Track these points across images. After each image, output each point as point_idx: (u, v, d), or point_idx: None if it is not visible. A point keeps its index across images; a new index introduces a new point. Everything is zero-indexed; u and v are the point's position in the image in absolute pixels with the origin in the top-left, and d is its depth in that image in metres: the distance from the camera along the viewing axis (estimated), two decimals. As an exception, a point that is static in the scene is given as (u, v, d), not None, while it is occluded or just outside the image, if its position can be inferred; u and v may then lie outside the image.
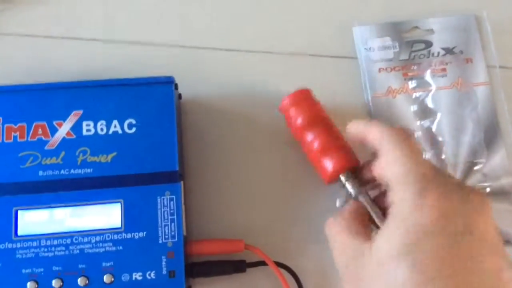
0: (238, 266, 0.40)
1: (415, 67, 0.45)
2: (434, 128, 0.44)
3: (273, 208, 0.42)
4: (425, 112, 0.45)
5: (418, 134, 0.44)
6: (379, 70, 0.46)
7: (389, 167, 0.32)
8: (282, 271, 0.40)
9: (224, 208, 0.42)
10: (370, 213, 0.36)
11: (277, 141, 0.44)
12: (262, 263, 0.40)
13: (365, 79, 0.46)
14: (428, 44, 0.46)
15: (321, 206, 0.42)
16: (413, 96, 0.45)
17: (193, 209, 0.41)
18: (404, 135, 0.33)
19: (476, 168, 0.43)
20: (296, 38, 0.47)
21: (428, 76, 0.45)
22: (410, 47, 0.46)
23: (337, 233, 0.34)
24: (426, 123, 0.44)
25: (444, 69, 0.45)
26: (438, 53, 0.46)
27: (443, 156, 0.44)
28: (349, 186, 0.37)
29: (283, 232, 0.42)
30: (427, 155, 0.43)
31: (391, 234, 0.30)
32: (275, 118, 0.43)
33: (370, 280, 0.30)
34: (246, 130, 0.44)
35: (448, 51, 0.46)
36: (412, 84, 0.46)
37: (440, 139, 0.44)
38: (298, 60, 0.46)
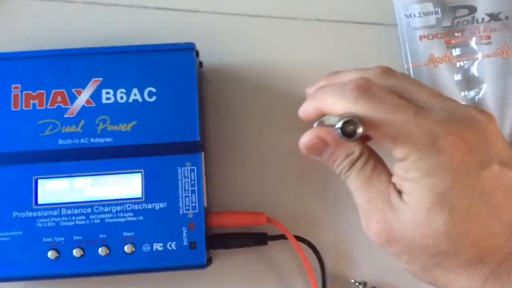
0: (259, 239, 0.39)
1: (459, 34, 0.43)
2: (478, 99, 0.42)
3: (294, 180, 0.41)
4: (469, 82, 0.43)
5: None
6: (420, 38, 0.43)
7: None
8: (303, 245, 0.40)
9: (245, 180, 0.41)
10: None
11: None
12: (283, 237, 0.40)
13: (405, 48, 0.44)
14: (472, 9, 0.44)
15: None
16: (457, 65, 0.43)
17: (214, 180, 0.40)
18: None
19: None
20: (328, 3, 0.45)
21: (473, 43, 0.43)
22: (453, 13, 0.44)
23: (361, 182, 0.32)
24: (471, 93, 0.42)
25: (488, 36, 0.43)
26: (483, 19, 0.44)
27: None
28: None
29: (304, 206, 0.41)
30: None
31: (417, 187, 0.28)
32: (299, 88, 0.42)
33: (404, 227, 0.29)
34: (268, 101, 0.43)
35: (493, 17, 0.43)
36: (455, 52, 0.43)
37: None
38: (330, 27, 0.44)
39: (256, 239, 0.39)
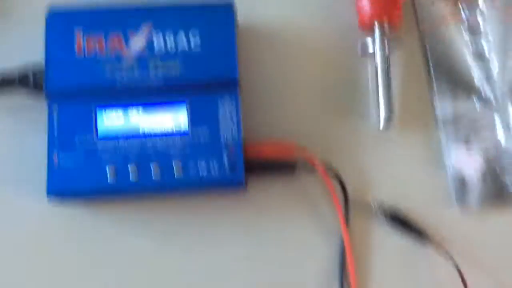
0: (290, 168, 0.44)
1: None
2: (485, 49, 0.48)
3: (322, 114, 0.47)
4: (476, 39, 0.48)
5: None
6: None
7: None
8: (329, 175, 0.45)
9: (276, 115, 0.46)
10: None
11: (330, 62, 0.48)
12: (311, 166, 0.45)
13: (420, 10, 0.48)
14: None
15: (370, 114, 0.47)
16: (466, 25, 0.48)
17: (249, 114, 0.45)
18: None
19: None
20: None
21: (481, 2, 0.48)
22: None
23: None
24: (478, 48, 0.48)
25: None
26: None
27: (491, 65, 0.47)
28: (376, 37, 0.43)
29: (332, 139, 0.46)
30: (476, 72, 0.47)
31: None
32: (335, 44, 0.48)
33: None
34: (301, 55, 0.48)
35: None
36: (464, 12, 0.49)
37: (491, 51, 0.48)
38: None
39: (288, 168, 0.44)
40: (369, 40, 0.47)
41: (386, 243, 0.44)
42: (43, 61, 0.43)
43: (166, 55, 0.43)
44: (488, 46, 0.48)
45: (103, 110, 0.42)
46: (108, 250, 0.44)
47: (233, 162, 0.42)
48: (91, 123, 0.42)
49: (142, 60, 0.42)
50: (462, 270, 0.42)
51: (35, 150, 0.44)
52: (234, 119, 0.42)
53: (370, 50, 0.46)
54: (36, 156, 0.44)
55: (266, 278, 0.44)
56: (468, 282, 0.42)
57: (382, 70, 0.46)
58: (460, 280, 0.42)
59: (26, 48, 0.46)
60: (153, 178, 0.41)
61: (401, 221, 0.44)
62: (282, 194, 0.45)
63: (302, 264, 0.44)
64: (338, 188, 0.45)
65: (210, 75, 0.43)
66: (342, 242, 0.44)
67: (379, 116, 0.45)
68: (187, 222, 0.45)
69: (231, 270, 0.44)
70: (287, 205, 0.45)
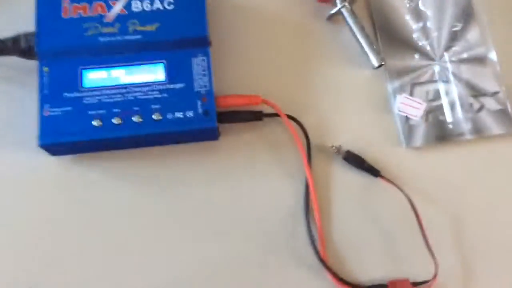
0: (256, 115, 0.50)
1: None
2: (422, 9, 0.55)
3: (286, 69, 0.53)
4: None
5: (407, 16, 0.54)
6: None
7: None
8: (292, 123, 0.51)
9: (244, 69, 0.52)
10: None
11: (291, 24, 0.54)
12: (276, 115, 0.50)
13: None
14: None
15: (327, 68, 0.53)
16: None
17: (219, 71, 0.51)
18: None
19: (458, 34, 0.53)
20: None
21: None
22: None
23: None
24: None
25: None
26: None
27: (428, 24, 0.54)
28: None
29: (295, 89, 0.52)
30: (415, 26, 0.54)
31: None
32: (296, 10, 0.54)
33: None
34: (267, 19, 0.54)
35: None
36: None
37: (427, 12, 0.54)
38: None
39: (254, 115, 0.50)
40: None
41: (345, 180, 0.50)
42: (33, 30, 0.48)
43: (144, 18, 0.48)
44: (425, 5, 0.55)
45: (88, 67, 0.47)
46: (94, 195, 0.49)
47: (206, 109, 0.47)
48: (77, 79, 0.47)
49: (122, 23, 0.48)
50: (411, 199, 0.48)
51: (26, 106, 0.49)
52: (206, 72, 0.48)
53: (338, 6, 0.53)
54: (27, 111, 0.49)
55: (238, 216, 0.49)
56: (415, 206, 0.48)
57: (355, 23, 0.52)
58: (410, 207, 0.48)
59: (19, 22, 0.51)
60: (135, 121, 0.46)
61: (356, 160, 0.50)
62: (250, 141, 0.51)
63: (270, 202, 0.49)
64: (300, 133, 0.51)
65: (183, 33, 0.48)
66: (306, 180, 0.49)
67: (369, 60, 0.52)
68: (165, 168, 0.50)
69: (205, 210, 0.49)
70: (255, 150, 0.51)
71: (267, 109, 0.50)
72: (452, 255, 0.48)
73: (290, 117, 0.51)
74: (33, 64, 0.48)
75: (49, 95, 0.47)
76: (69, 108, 0.46)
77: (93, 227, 0.48)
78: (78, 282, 0.47)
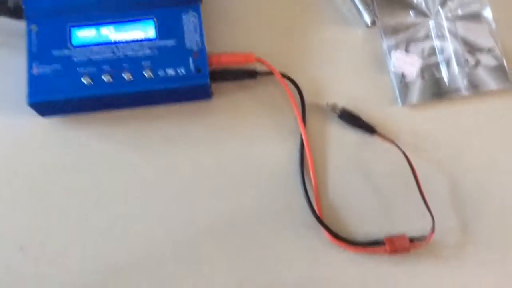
0: (250, 73, 0.49)
1: None
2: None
3: (281, 28, 0.52)
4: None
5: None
6: None
7: None
8: (286, 81, 0.50)
9: (238, 26, 0.51)
10: None
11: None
12: (270, 73, 0.49)
13: None
14: None
15: (320, 27, 0.52)
16: None
17: (212, 30, 0.50)
18: None
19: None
20: None
21: None
22: None
23: None
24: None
25: None
26: None
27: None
28: None
29: (289, 48, 0.51)
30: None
31: None
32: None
33: None
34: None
35: None
36: None
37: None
38: None
39: (248, 73, 0.49)
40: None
41: (340, 138, 0.49)
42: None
43: (133, -28, 0.48)
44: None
45: (77, 25, 0.46)
46: (85, 157, 0.48)
47: (198, 65, 0.46)
48: (65, 37, 0.46)
49: (111, -23, 0.47)
50: (408, 156, 0.48)
51: (16, 68, 0.48)
52: (198, 29, 0.47)
53: None
54: (17, 74, 0.47)
55: (232, 177, 0.48)
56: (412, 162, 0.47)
57: None
58: (406, 164, 0.48)
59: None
60: (125, 79, 0.45)
61: (351, 118, 0.49)
62: (244, 100, 0.50)
63: (265, 162, 0.48)
64: (295, 92, 0.50)
65: (174, -11, 0.48)
66: (301, 139, 0.48)
67: (362, 18, 0.51)
68: (158, 129, 0.49)
69: (198, 171, 0.48)
70: (249, 110, 0.50)
71: (261, 68, 0.50)
72: (449, 212, 0.48)
73: (284, 76, 0.50)
74: (21, 25, 0.47)
75: (37, 53, 0.46)
76: (58, 66, 0.46)
77: (83, 189, 0.47)
78: (67, 243, 0.46)
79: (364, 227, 0.47)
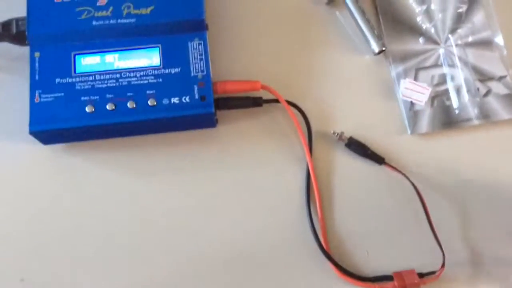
0: (256, 101, 0.48)
1: None
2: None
3: (286, 56, 0.51)
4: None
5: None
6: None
7: None
8: (292, 109, 0.49)
9: (243, 55, 0.51)
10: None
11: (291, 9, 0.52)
12: (276, 101, 0.49)
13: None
14: None
15: (327, 53, 0.51)
16: None
17: (217, 57, 0.50)
18: None
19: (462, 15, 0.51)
20: None
21: None
22: None
23: None
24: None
25: None
26: None
27: (432, 6, 0.52)
28: None
29: (295, 76, 0.50)
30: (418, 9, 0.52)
31: None
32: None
33: None
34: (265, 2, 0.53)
35: None
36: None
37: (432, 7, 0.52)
38: None
39: (253, 101, 0.48)
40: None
41: (347, 167, 0.48)
42: (25, 14, 0.47)
43: (138, 1, 0.46)
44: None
45: (82, 53, 0.46)
46: (87, 185, 0.47)
47: (203, 94, 0.45)
48: (69, 64, 0.45)
49: (116, 6, 0.46)
50: (417, 187, 0.47)
51: (18, 94, 0.47)
52: (203, 57, 0.46)
53: None
54: (19, 99, 0.47)
55: (237, 206, 0.47)
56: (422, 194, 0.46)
57: (355, 8, 0.51)
58: (415, 195, 0.46)
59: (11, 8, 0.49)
60: (128, 107, 0.44)
61: (359, 147, 0.48)
62: (250, 128, 0.49)
63: (270, 191, 0.47)
64: (301, 120, 0.49)
65: (179, 16, 0.47)
66: (307, 168, 0.47)
67: (370, 46, 0.50)
68: (162, 157, 0.48)
69: (203, 200, 0.47)
70: (255, 138, 0.49)
71: (266, 96, 0.49)
72: (460, 245, 0.46)
73: (291, 103, 0.49)
74: (25, 50, 0.46)
75: (40, 81, 0.45)
76: (61, 94, 0.45)
77: (85, 217, 0.46)
78: (70, 273, 0.45)
79: (372, 261, 0.46)
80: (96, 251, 0.45)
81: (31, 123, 0.44)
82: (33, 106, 0.45)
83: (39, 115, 0.44)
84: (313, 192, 0.47)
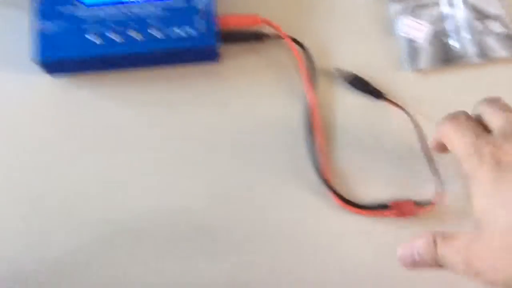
0: (257, 36, 0.49)
1: None
2: None
3: None
4: None
5: None
6: None
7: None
8: (294, 45, 0.49)
9: None
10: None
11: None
12: (278, 37, 0.49)
13: None
14: None
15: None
16: None
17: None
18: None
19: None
20: None
21: None
22: None
23: None
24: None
25: None
26: None
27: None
28: None
29: (297, 12, 0.51)
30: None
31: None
32: None
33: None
34: None
35: None
36: None
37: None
38: None
39: (255, 35, 0.49)
40: None
41: (348, 103, 0.49)
42: None
43: None
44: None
45: (86, -16, 0.47)
46: (90, 117, 0.48)
47: (206, 26, 0.46)
48: (75, -5, 0.46)
49: None
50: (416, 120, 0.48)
51: (22, 27, 0.48)
52: (206, -12, 0.47)
53: None
54: (23, 32, 0.47)
55: (238, 140, 0.48)
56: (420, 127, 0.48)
57: None
58: (414, 129, 0.47)
59: None
60: (133, 38, 0.45)
61: (359, 83, 0.49)
62: (251, 63, 0.50)
63: (272, 126, 0.48)
64: (303, 56, 0.50)
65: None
66: (308, 103, 0.48)
67: None
68: (164, 90, 0.49)
69: (205, 133, 0.48)
70: (257, 73, 0.50)
71: (269, 31, 0.49)
72: (455, 177, 0.47)
73: (292, 39, 0.50)
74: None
75: (42, 9, 0.46)
76: (65, 24, 0.45)
77: (88, 149, 0.47)
78: (75, 202, 0.46)
79: (372, 192, 0.47)
80: (99, 182, 0.47)
81: (34, 51, 0.45)
82: (37, 35, 0.45)
83: (45, 44, 0.45)
84: (314, 126, 0.48)
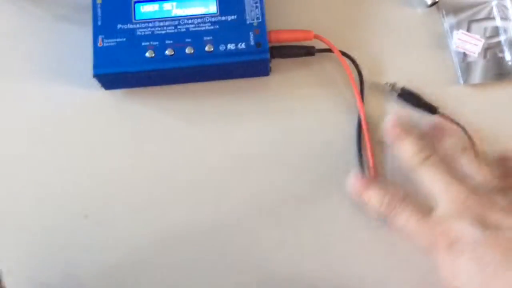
0: (308, 50, 0.49)
1: None
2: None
3: (340, 7, 0.52)
4: None
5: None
6: None
7: None
8: (345, 59, 0.49)
9: (299, 4, 0.51)
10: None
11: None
12: (329, 51, 0.49)
13: None
14: None
15: (380, 5, 0.51)
16: None
17: (272, 6, 0.50)
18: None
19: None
20: None
21: None
22: None
23: None
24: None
25: None
26: None
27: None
28: None
29: (348, 26, 0.51)
30: None
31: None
32: None
33: None
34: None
35: None
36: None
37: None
38: None
39: (307, 50, 0.49)
40: None
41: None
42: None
43: (196, -49, 0.48)
44: None
45: (141, 0, 0.47)
46: (144, 130, 0.49)
47: (259, 41, 0.46)
48: (129, 11, 0.47)
49: (174, -45, 0.48)
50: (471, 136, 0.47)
51: (81, 43, 0.49)
52: (258, 4, 0.47)
53: None
54: (82, 48, 0.49)
55: (288, 153, 0.48)
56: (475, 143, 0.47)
57: None
58: (468, 142, 0.47)
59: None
60: (187, 53, 0.46)
61: (412, 97, 0.48)
62: (302, 77, 0.50)
63: (321, 140, 0.48)
64: (353, 70, 0.49)
65: (235, -34, 0.48)
66: (359, 118, 0.48)
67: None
68: (216, 104, 0.49)
69: (255, 146, 0.48)
70: (307, 87, 0.50)
71: (319, 46, 0.49)
72: None
73: (343, 53, 0.50)
74: (86, 1, 0.48)
75: (102, 26, 0.47)
76: (122, 39, 0.47)
77: (143, 161, 0.48)
78: (130, 212, 0.47)
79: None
80: (152, 193, 0.47)
81: (94, 67, 0.46)
82: (96, 51, 0.46)
83: (102, 59, 0.46)
84: (364, 141, 0.48)
